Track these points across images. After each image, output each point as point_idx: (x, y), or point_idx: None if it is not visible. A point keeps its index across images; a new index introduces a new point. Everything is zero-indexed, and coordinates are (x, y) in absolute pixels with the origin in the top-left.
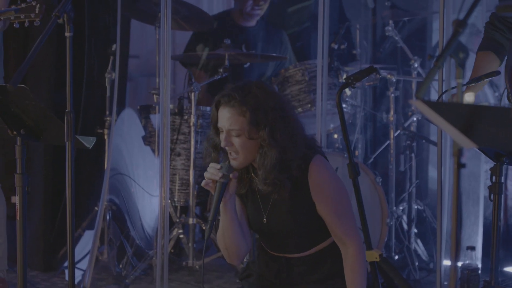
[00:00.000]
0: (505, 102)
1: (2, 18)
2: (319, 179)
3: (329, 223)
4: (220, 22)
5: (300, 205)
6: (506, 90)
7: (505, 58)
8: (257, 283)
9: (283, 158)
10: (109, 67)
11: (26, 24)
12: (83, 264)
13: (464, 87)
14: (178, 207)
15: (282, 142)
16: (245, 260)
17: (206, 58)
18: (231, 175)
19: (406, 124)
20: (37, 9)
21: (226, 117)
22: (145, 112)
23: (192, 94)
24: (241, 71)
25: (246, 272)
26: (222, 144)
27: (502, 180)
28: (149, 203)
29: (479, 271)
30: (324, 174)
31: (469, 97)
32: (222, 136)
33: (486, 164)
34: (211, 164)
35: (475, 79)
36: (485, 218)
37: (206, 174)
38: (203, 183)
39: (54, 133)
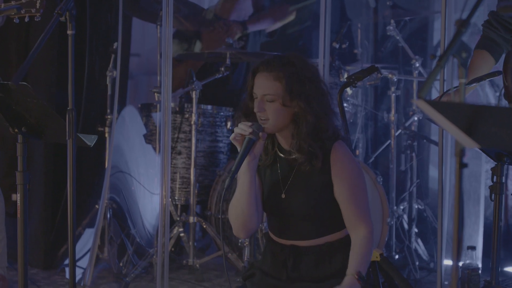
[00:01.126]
0: (503, 100)
1: (2, 14)
2: (341, 158)
3: (344, 205)
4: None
5: (319, 185)
6: (503, 89)
7: (504, 57)
8: (260, 282)
9: (317, 126)
10: (111, 65)
11: (27, 19)
12: (84, 262)
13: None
14: (179, 206)
15: (318, 109)
16: (245, 259)
17: (208, 56)
18: (260, 134)
19: (407, 124)
20: (37, 4)
21: (262, 82)
22: (146, 110)
23: (193, 92)
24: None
25: (249, 271)
26: (255, 109)
27: (503, 180)
28: (149, 201)
29: (480, 271)
30: (347, 155)
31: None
32: (256, 103)
33: (487, 164)
34: (242, 122)
35: (477, 79)
36: (485, 218)
37: (236, 129)
38: (231, 137)
39: (56, 131)
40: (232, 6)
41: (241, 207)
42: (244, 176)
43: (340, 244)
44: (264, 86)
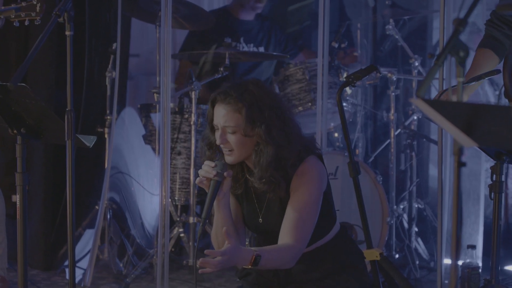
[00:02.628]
0: (503, 99)
1: (2, 17)
2: (302, 173)
3: (287, 216)
4: (217, 18)
5: None
6: (503, 87)
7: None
8: (256, 281)
9: (278, 156)
10: (110, 66)
11: (27, 22)
12: (84, 263)
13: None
14: (179, 206)
15: (279, 139)
16: None
17: (206, 56)
18: (225, 174)
19: (406, 123)
20: (37, 8)
21: (222, 114)
22: (145, 111)
23: (193, 93)
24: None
25: (245, 270)
26: (218, 142)
27: (503, 179)
28: (149, 202)
29: (480, 270)
30: (310, 172)
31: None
32: (218, 134)
33: (486, 163)
34: (206, 162)
35: (476, 78)
36: (485, 217)
37: (200, 172)
38: (197, 181)
39: (55, 132)
40: None
41: (219, 240)
42: (218, 214)
43: (330, 245)
44: (224, 119)
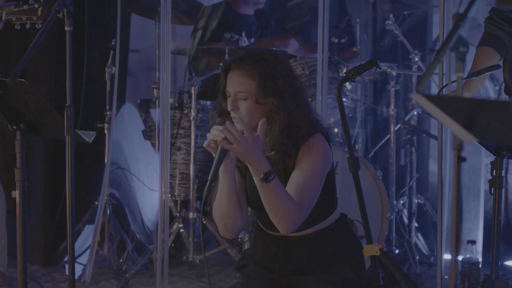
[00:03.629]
0: (503, 95)
1: (3, 18)
2: (311, 145)
3: (291, 182)
4: (218, 12)
5: None
6: (503, 83)
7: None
8: (253, 274)
9: (290, 124)
10: (109, 62)
11: (28, 26)
12: (84, 259)
13: (463, 82)
14: (179, 202)
15: (291, 107)
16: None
17: (207, 52)
18: None
19: (406, 118)
20: (39, 12)
21: (234, 80)
22: (145, 106)
23: (192, 88)
24: None
25: (241, 261)
26: (229, 108)
27: (503, 174)
28: (149, 197)
29: (480, 265)
30: (318, 146)
31: None
32: (229, 101)
33: (486, 158)
34: (215, 126)
35: (476, 73)
36: (485, 212)
37: (208, 135)
38: (205, 144)
39: (54, 128)
40: None
41: (223, 209)
42: (223, 180)
43: (329, 231)
44: (237, 84)
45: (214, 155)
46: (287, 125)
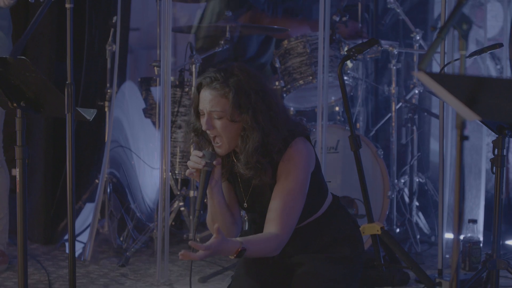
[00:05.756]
0: (505, 73)
1: None
2: (288, 159)
3: (274, 202)
4: None
5: None
6: (509, 60)
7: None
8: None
9: (264, 141)
10: (110, 39)
11: (32, 0)
12: (84, 237)
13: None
14: (179, 180)
15: (264, 125)
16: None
17: (207, 30)
18: (214, 162)
19: (407, 97)
20: None
21: (208, 99)
22: (145, 84)
23: (193, 66)
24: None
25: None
26: (204, 128)
27: (504, 153)
28: (150, 175)
29: (481, 244)
30: (296, 157)
31: None
32: (203, 120)
33: (488, 137)
34: (193, 152)
35: (478, 51)
36: (486, 191)
37: (189, 164)
38: (187, 173)
39: (55, 105)
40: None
41: (217, 223)
42: (211, 202)
43: (322, 218)
44: (210, 103)
45: (197, 181)
46: (261, 143)
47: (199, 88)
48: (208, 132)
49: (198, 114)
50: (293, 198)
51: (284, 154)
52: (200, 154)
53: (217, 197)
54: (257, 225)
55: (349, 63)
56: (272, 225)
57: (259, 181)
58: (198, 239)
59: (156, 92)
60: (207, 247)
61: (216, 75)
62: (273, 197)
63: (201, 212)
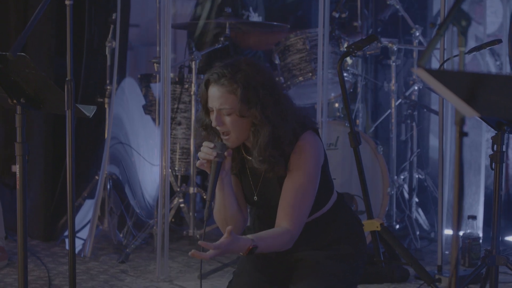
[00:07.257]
0: (504, 70)
1: None
2: (299, 151)
3: (284, 196)
4: None
5: None
6: (509, 57)
7: (509, 26)
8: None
9: (275, 135)
10: (110, 36)
11: None
12: (84, 233)
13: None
14: (179, 176)
15: (274, 118)
16: None
17: (206, 26)
18: (225, 153)
19: (407, 93)
20: None
21: (216, 96)
22: (145, 81)
23: (193, 62)
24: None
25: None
26: (213, 124)
27: (504, 149)
28: (149, 172)
29: (480, 240)
30: (307, 150)
31: None
32: (213, 116)
33: (487, 133)
34: (204, 143)
35: (477, 48)
36: (486, 187)
37: (200, 154)
38: (198, 164)
39: (55, 102)
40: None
41: (223, 217)
42: (221, 193)
43: (328, 215)
44: (219, 100)
45: (208, 172)
46: (272, 137)
47: (207, 84)
48: (217, 128)
49: (207, 110)
50: (304, 191)
51: (295, 146)
52: (212, 145)
53: (227, 188)
54: (261, 222)
55: (348, 60)
56: (284, 220)
57: (273, 174)
58: (198, 236)
59: (156, 88)
60: (217, 246)
61: (223, 71)
62: (284, 190)
63: (212, 203)
